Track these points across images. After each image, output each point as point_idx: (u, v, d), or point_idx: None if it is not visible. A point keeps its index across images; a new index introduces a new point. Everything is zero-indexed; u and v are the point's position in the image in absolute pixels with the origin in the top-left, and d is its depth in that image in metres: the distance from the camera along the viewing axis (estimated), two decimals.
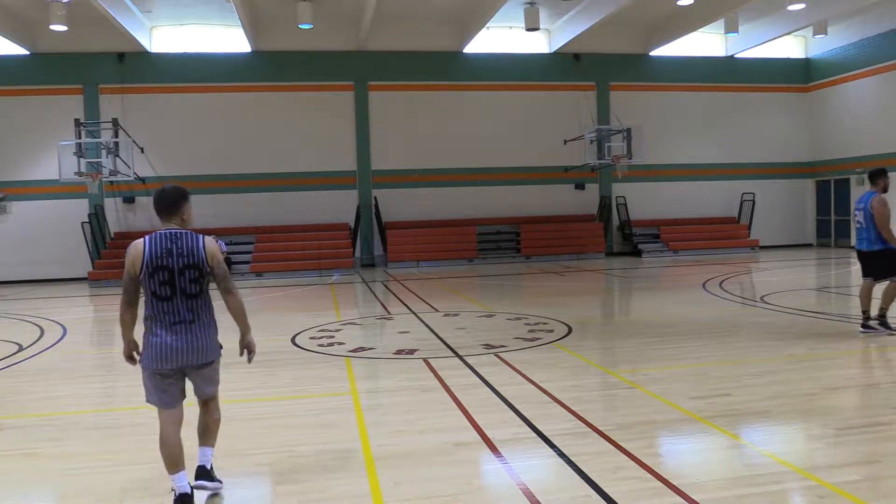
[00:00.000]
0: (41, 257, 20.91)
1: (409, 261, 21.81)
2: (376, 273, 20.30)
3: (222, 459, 4.96)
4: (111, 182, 20.56)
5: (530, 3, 20.41)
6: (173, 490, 3.96)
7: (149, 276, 3.95)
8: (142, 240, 4.00)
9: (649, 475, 4.31)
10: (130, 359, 4.11)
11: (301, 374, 7.64)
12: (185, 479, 4.01)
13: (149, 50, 21.44)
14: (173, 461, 4.01)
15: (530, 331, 9.53)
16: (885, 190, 8.54)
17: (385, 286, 16.66)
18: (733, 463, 4.63)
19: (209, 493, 4.16)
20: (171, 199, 4.07)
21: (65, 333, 10.90)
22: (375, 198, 22.57)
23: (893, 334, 8.48)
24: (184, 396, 4.17)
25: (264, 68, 22.21)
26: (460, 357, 7.94)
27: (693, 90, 24.79)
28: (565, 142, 23.53)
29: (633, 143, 22.14)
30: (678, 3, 20.25)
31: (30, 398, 6.87)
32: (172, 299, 3.98)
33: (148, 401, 4.11)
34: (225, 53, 21.98)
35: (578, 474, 4.37)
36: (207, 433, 4.28)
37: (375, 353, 8.55)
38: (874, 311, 8.79)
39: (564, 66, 23.87)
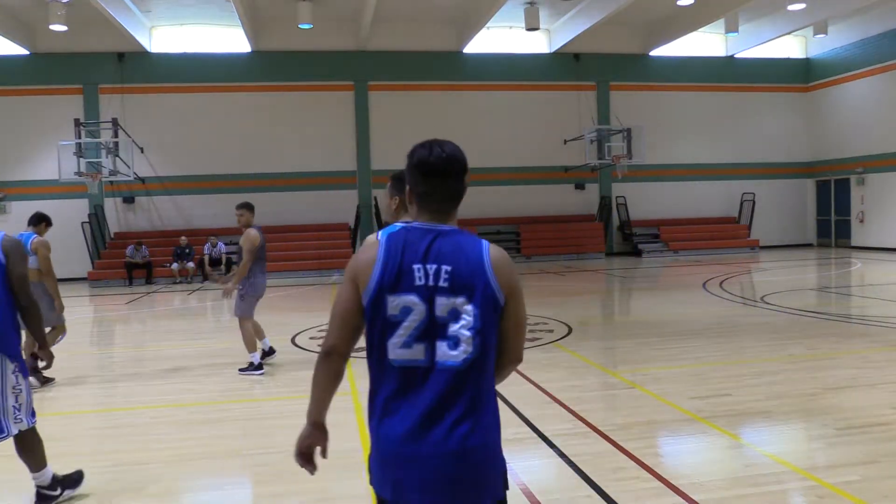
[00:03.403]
0: None
1: None
2: None
3: (222, 459, 4.96)
4: (111, 182, 20.56)
5: (530, 3, 20.41)
6: (251, 363, 7.63)
7: (259, 248, 7.58)
8: (257, 230, 7.54)
9: (649, 475, 4.31)
10: (228, 292, 7.76)
11: (301, 374, 7.64)
12: (258, 355, 7.66)
13: (149, 50, 21.43)
14: (251, 345, 7.61)
15: (530, 331, 9.53)
16: None
17: None
18: (733, 463, 4.63)
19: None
20: (252, 208, 7.70)
21: (64, 334, 10.85)
22: (375, 198, 22.55)
23: None
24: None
25: (264, 68, 22.21)
26: None
27: (693, 90, 24.78)
28: (565, 142, 23.53)
29: (633, 143, 22.14)
30: (678, 3, 20.25)
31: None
32: (262, 262, 7.70)
33: (243, 314, 7.61)
34: (225, 53, 21.97)
35: (578, 474, 4.37)
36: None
37: None
38: None
39: (564, 66, 23.87)
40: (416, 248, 2.13)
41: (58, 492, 4.17)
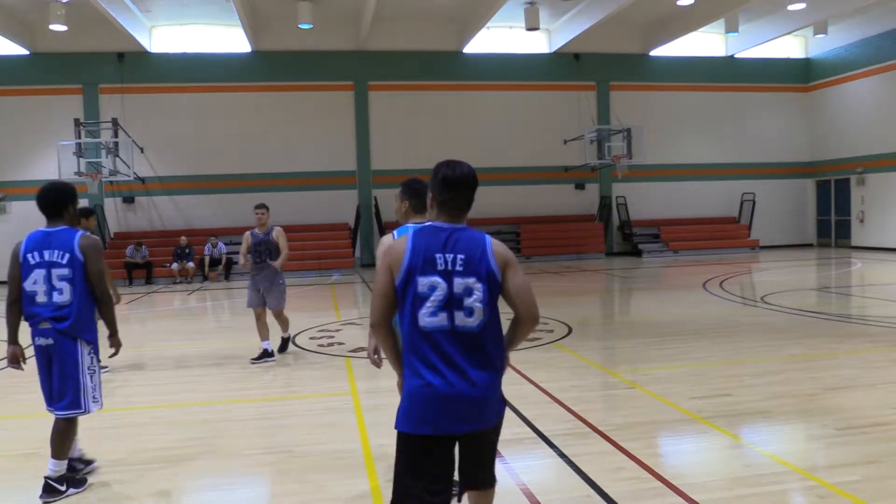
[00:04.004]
0: None
1: None
2: None
3: (222, 459, 4.96)
4: (111, 182, 20.56)
5: (530, 3, 20.40)
6: (264, 349, 8.26)
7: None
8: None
9: (649, 475, 4.31)
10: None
11: (301, 374, 7.64)
12: (269, 344, 8.24)
13: (149, 50, 21.43)
14: (263, 335, 8.25)
15: None
16: None
17: None
18: (733, 463, 4.63)
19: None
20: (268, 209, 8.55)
21: None
22: (375, 198, 22.56)
23: None
24: (264, 303, 8.39)
25: (264, 68, 22.20)
26: None
27: (693, 90, 24.78)
28: (565, 142, 23.53)
29: (633, 143, 22.14)
30: (678, 3, 20.24)
31: (30, 398, 6.85)
32: (258, 262, 8.45)
33: (284, 304, 8.54)
34: (225, 53, 21.97)
35: (578, 474, 4.37)
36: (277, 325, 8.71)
37: None
38: None
39: (564, 66, 23.87)
40: (438, 241, 2.78)
41: (63, 487, 4.28)
